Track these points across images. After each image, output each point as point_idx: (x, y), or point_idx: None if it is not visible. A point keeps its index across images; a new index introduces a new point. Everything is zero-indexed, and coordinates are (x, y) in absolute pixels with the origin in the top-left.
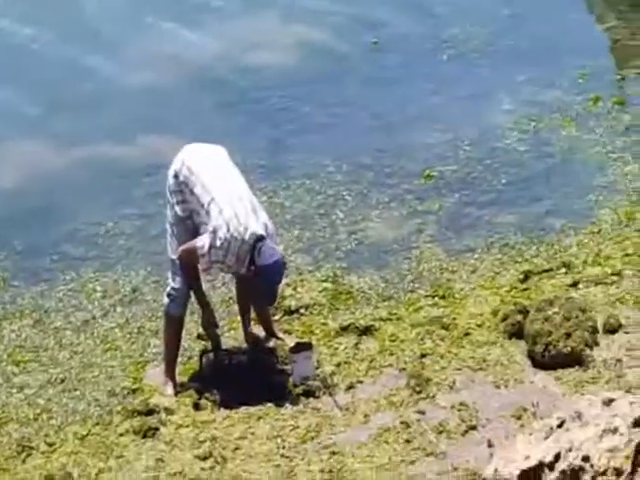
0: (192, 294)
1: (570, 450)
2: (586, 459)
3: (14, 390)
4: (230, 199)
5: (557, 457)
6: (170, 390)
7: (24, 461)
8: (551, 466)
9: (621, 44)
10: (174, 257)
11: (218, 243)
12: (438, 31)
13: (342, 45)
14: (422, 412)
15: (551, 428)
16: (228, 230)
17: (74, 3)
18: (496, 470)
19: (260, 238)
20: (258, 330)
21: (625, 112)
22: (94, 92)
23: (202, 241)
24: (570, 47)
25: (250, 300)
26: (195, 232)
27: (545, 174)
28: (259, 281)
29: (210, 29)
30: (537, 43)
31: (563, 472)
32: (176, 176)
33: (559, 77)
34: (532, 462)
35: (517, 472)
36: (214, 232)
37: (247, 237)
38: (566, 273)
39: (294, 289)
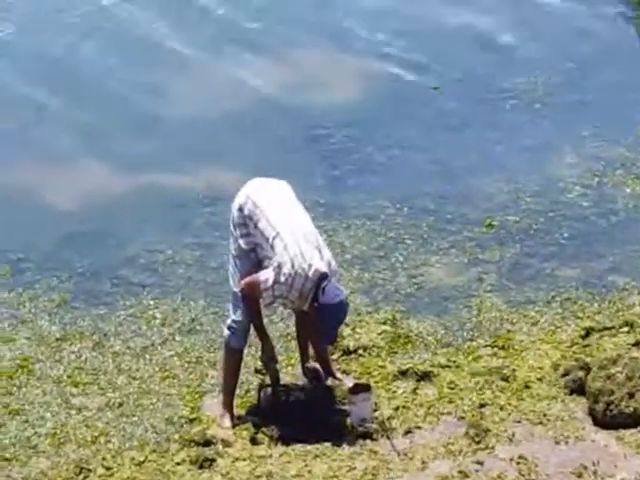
0: (252, 328)
1: None
2: None
3: (73, 411)
4: (295, 235)
5: None
6: (228, 422)
7: None
8: None
9: None
10: (236, 289)
11: (282, 279)
12: (501, 80)
13: (403, 88)
14: (480, 463)
15: None
16: (293, 266)
17: (144, 29)
18: None
19: (324, 276)
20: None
21: None
22: (154, 120)
23: (266, 276)
24: (634, 103)
25: (310, 337)
26: (258, 265)
27: (608, 231)
28: (321, 320)
29: (275, 64)
30: (602, 97)
31: None
32: (240, 209)
33: (624, 133)
34: None
35: None
36: (279, 267)
37: (311, 274)
38: (628, 332)
39: (353, 329)
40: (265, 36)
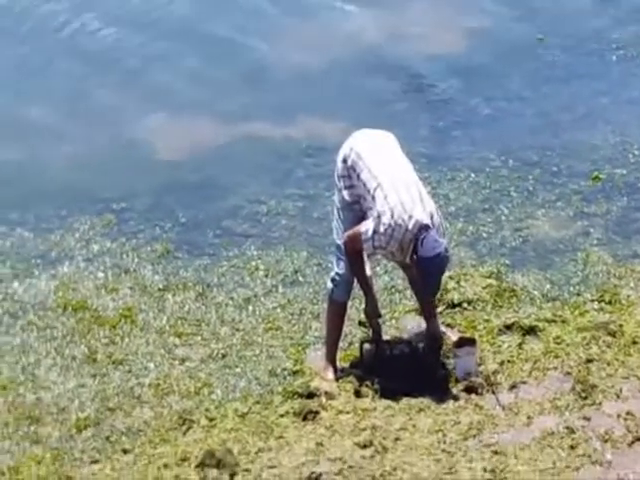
0: (356, 280)
1: None
2: None
3: (176, 362)
4: (396, 186)
5: None
6: (331, 375)
7: (185, 434)
8: None
9: None
10: (339, 242)
11: (382, 229)
12: (606, 31)
13: (508, 39)
14: (587, 418)
15: None
16: (392, 216)
17: None
18: None
19: (424, 227)
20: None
21: None
22: (261, 71)
23: (366, 226)
24: None
25: (416, 290)
26: (362, 218)
27: None
28: (420, 272)
29: (381, 14)
30: None
31: None
32: (344, 160)
33: None
34: None
35: None
36: (378, 217)
37: (411, 225)
38: None
39: (457, 282)
40: None
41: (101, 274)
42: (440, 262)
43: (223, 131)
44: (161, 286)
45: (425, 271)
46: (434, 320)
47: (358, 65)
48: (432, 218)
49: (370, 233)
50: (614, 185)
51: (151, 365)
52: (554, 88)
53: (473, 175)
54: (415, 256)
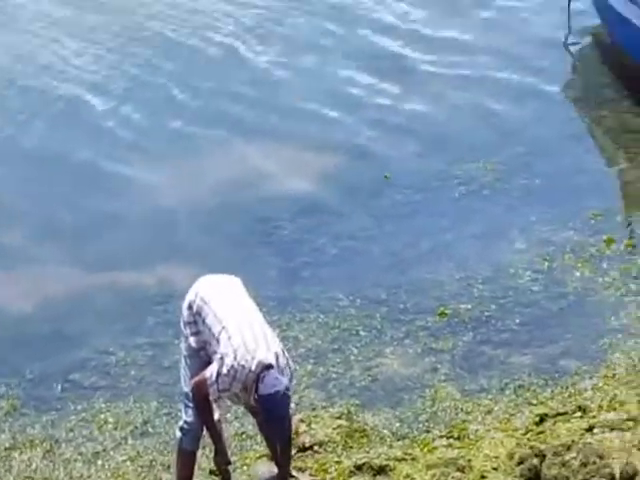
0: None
1: None
2: None
3: None
4: (241, 328)
5: None
6: None
7: None
8: None
9: (632, 186)
10: (187, 389)
11: (225, 370)
12: (450, 167)
13: (354, 178)
14: None
15: None
16: (235, 358)
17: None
18: None
19: (267, 367)
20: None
21: (638, 255)
22: (107, 216)
23: (210, 370)
24: (582, 187)
25: (264, 435)
26: (208, 363)
27: (559, 315)
28: (261, 411)
29: (223, 156)
30: (549, 182)
31: None
32: (190, 307)
33: (572, 217)
34: None
35: None
36: (221, 359)
37: (254, 366)
38: (581, 417)
39: (308, 425)
40: (211, 132)
41: None
42: (280, 400)
43: (70, 280)
44: (7, 445)
45: (266, 410)
46: (285, 465)
47: (204, 211)
48: (277, 359)
49: (214, 377)
50: (460, 320)
51: None
52: (400, 225)
53: (322, 315)
54: (256, 396)
